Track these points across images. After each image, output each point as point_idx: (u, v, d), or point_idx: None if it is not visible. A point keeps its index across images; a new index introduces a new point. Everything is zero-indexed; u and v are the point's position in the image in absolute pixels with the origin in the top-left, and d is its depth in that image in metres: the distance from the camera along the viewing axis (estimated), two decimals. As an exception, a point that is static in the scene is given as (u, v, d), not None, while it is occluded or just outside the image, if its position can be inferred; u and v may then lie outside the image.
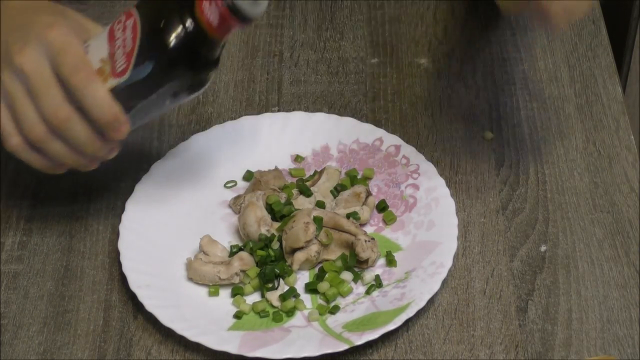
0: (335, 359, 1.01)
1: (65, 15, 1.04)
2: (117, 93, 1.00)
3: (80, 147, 1.01)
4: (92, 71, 0.99)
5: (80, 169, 1.05)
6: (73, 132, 1.00)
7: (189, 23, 0.97)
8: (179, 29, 0.97)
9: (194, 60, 0.99)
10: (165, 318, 1.01)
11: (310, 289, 1.06)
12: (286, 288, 1.05)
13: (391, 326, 1.01)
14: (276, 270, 1.06)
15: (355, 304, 1.05)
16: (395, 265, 1.08)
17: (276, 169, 1.16)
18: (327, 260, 1.08)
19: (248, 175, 1.16)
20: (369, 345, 1.01)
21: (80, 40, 1.01)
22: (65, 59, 0.99)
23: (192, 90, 1.01)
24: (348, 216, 1.10)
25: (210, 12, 0.96)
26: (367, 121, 1.20)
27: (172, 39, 0.98)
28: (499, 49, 1.30)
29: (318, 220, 1.08)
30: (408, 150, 1.16)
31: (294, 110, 1.22)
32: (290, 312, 1.04)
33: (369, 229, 1.11)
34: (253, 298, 1.06)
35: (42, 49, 0.99)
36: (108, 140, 1.02)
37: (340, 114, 1.21)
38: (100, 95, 0.99)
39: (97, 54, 1.01)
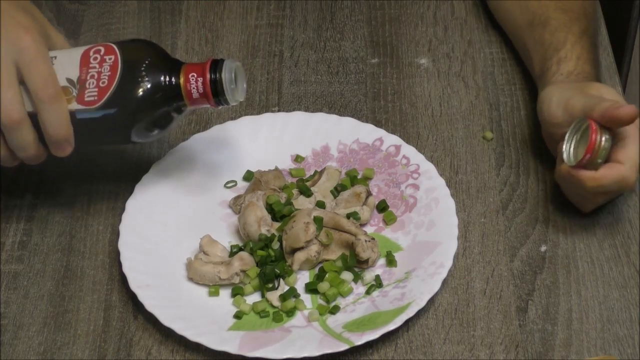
0: (335, 359, 1.01)
1: (33, 15, 1.05)
2: (76, 117, 1.03)
3: (17, 149, 1.04)
4: (60, 89, 1.02)
5: (1, 163, 1.06)
6: (18, 135, 1.02)
7: (170, 88, 1.03)
8: (160, 89, 1.03)
9: (162, 117, 1.04)
10: (165, 318, 1.01)
11: (311, 289, 1.06)
12: (286, 288, 1.05)
13: (391, 326, 1.01)
14: (276, 270, 1.06)
15: (356, 304, 1.05)
16: (396, 265, 1.08)
17: (276, 169, 1.16)
18: (327, 260, 1.08)
19: (248, 175, 1.16)
20: (369, 345, 1.01)
21: (48, 51, 1.03)
22: (36, 71, 1.01)
23: (145, 138, 1.06)
24: (348, 216, 1.10)
25: (194, 85, 1.03)
26: (367, 121, 1.20)
27: (150, 96, 1.02)
28: (499, 49, 1.30)
29: (318, 220, 1.08)
30: (408, 150, 1.16)
31: (294, 110, 1.22)
32: (290, 312, 1.04)
33: (369, 229, 1.11)
34: (253, 298, 1.06)
35: (12, 48, 1.01)
36: (43, 152, 1.05)
37: (340, 114, 1.21)
38: (60, 116, 1.02)
39: (64, 72, 1.03)
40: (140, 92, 1.02)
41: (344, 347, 0.99)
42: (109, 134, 1.05)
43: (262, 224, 1.08)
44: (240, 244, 1.09)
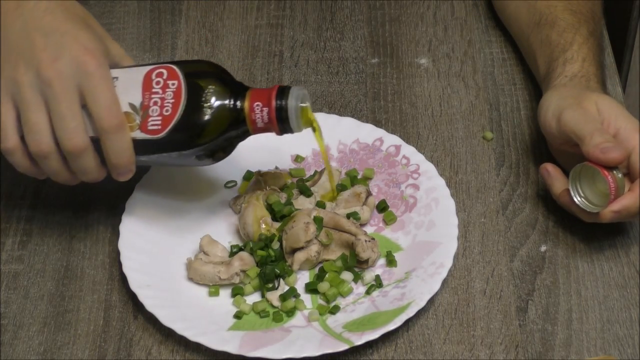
0: (335, 359, 1.01)
1: (94, 30, 1.02)
2: (139, 145, 1.00)
3: (80, 173, 1.02)
4: (123, 119, 0.99)
5: (62, 182, 1.04)
6: (82, 161, 1.00)
7: (235, 117, 1.00)
8: (224, 119, 0.99)
9: (226, 144, 1.02)
10: (165, 318, 1.01)
11: (311, 289, 1.06)
12: (286, 288, 1.06)
13: (391, 326, 1.01)
14: (276, 270, 1.06)
15: (356, 304, 1.05)
16: (396, 265, 1.08)
17: (276, 169, 1.16)
18: (327, 260, 1.08)
19: (248, 175, 1.16)
20: (369, 345, 1.01)
21: (110, 74, 1.00)
22: (100, 99, 0.98)
23: (209, 162, 1.03)
24: (348, 216, 1.10)
25: (259, 115, 1.00)
26: (367, 121, 1.20)
27: (215, 125, 0.99)
28: (499, 49, 1.30)
29: (318, 220, 1.08)
30: (408, 150, 1.16)
31: (294, 110, 1.22)
32: (290, 312, 1.04)
33: (369, 229, 1.11)
34: (253, 298, 1.06)
35: (76, 72, 0.98)
36: (105, 172, 1.03)
37: (340, 114, 1.21)
38: (124, 145, 0.99)
39: (127, 96, 1.00)
40: (204, 122, 0.99)
41: (344, 347, 0.99)
42: (172, 160, 1.03)
43: (262, 224, 1.08)
44: (240, 244, 1.09)
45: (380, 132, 1.18)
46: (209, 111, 0.99)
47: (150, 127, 1.00)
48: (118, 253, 1.07)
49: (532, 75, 1.25)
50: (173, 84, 1.00)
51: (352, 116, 1.21)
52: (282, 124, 1.01)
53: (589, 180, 1.06)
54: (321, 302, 1.05)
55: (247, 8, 1.36)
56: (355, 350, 1.01)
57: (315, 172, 1.16)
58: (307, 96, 1.02)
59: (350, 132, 1.18)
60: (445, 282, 1.05)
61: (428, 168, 1.14)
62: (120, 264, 1.06)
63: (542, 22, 1.20)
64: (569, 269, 1.08)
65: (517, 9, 1.25)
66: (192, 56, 1.30)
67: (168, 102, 1.00)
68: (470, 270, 1.08)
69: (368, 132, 1.18)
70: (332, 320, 1.03)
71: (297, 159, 1.17)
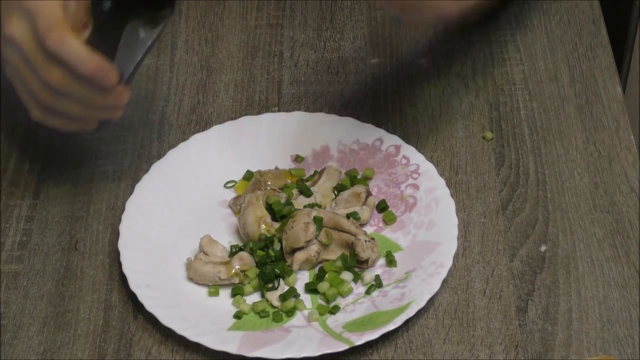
0: (335, 359, 1.01)
1: None
2: (92, 43, 0.99)
3: (86, 101, 1.02)
4: (65, 28, 0.98)
5: (105, 118, 1.06)
6: (73, 89, 1.01)
7: None
8: None
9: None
10: (165, 318, 1.01)
11: (310, 289, 1.06)
12: (286, 288, 1.06)
13: (391, 326, 1.01)
14: (276, 270, 1.06)
15: (355, 304, 1.05)
16: (395, 265, 1.08)
17: (276, 169, 1.16)
18: (327, 260, 1.08)
19: (248, 175, 1.16)
20: (369, 345, 1.01)
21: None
22: (38, 23, 0.99)
23: (153, 26, 1.00)
24: (348, 216, 1.10)
25: None
26: (367, 121, 1.20)
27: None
28: (499, 49, 1.30)
29: (318, 220, 1.08)
30: (408, 150, 1.16)
31: (294, 110, 1.22)
32: (290, 312, 1.04)
33: (369, 229, 1.11)
34: (253, 298, 1.06)
35: (24, 15, 0.99)
36: (107, 90, 1.02)
37: (340, 114, 1.21)
38: (75, 50, 0.98)
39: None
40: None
41: (343, 347, 0.99)
42: (123, 40, 1.01)
43: (262, 224, 1.08)
44: (240, 244, 1.09)
45: (380, 132, 1.18)
46: None
47: (82, 22, 1.00)
48: (118, 253, 1.07)
49: (532, 75, 1.25)
50: None
51: (352, 116, 1.21)
52: None
53: None
54: (321, 302, 1.05)
55: (247, 8, 1.36)
56: (355, 350, 1.01)
57: (315, 172, 1.16)
58: None
59: (350, 132, 1.18)
60: (445, 282, 1.05)
61: (428, 168, 1.14)
62: (120, 264, 1.06)
63: None
64: (569, 269, 1.08)
65: None
66: (192, 56, 1.30)
67: None
68: (470, 270, 1.08)
69: (368, 132, 1.18)
70: (332, 320, 1.03)
71: (297, 159, 1.17)
